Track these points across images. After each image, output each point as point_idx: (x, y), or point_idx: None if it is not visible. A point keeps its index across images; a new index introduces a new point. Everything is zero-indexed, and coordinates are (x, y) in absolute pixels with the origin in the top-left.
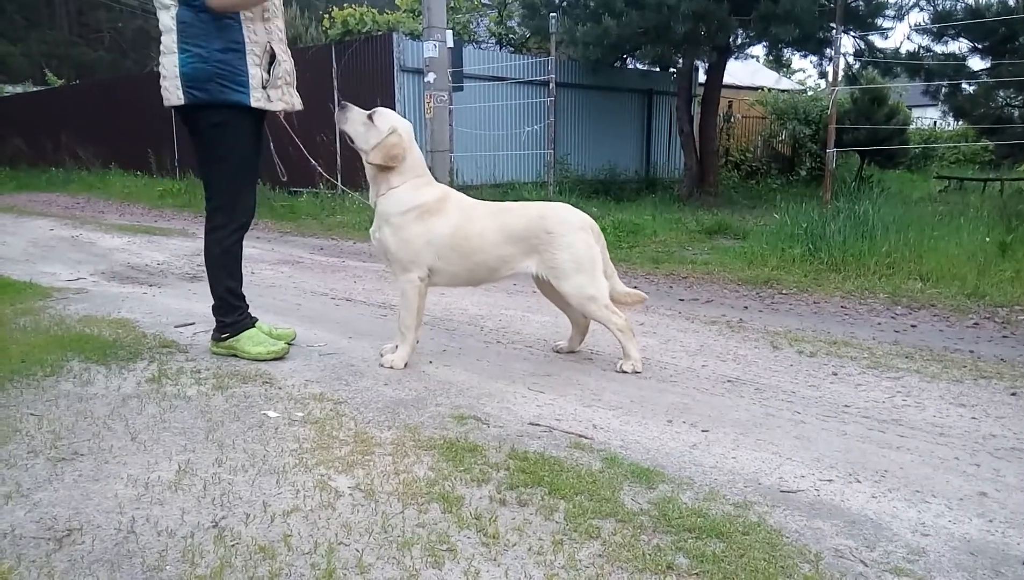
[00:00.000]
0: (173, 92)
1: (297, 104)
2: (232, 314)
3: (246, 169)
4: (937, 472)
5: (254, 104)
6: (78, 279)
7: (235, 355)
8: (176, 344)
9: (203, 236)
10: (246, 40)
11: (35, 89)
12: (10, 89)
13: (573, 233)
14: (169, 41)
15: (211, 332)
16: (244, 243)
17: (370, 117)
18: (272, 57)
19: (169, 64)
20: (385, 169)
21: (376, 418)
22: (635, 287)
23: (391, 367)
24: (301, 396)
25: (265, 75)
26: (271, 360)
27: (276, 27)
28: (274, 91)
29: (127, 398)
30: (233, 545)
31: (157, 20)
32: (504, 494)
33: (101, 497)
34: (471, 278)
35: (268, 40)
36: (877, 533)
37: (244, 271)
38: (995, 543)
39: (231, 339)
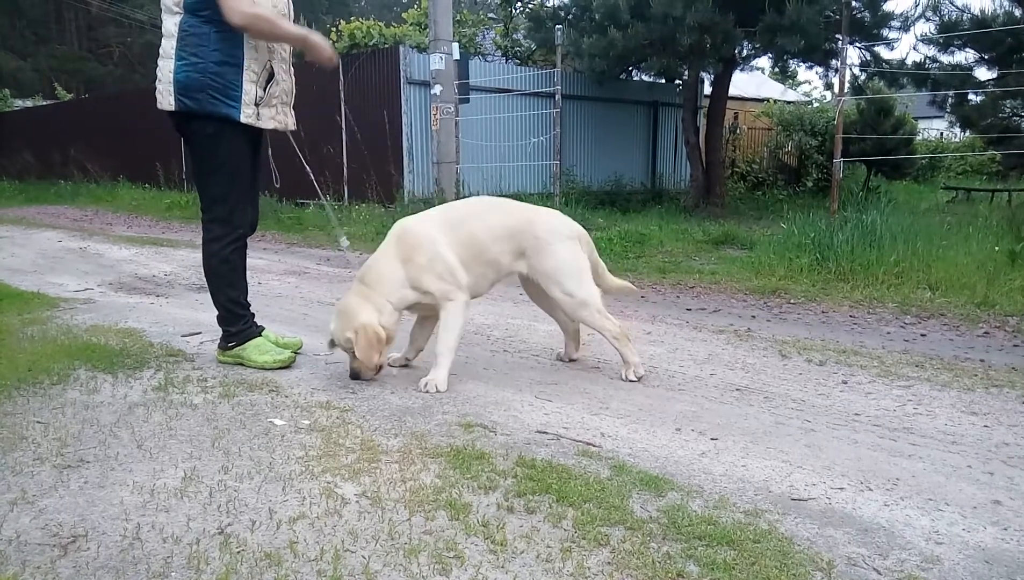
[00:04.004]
0: (165, 97)
1: (291, 124)
2: (236, 323)
3: (241, 181)
4: (950, 480)
5: (243, 120)
6: (86, 290)
7: (241, 364)
8: (183, 353)
9: None
10: (246, 56)
11: (44, 103)
12: (20, 103)
13: (561, 241)
14: (168, 47)
15: (218, 341)
16: (250, 254)
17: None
18: (271, 75)
19: (165, 69)
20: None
21: (383, 426)
22: (641, 297)
23: (437, 390)
24: (307, 404)
25: (260, 92)
26: (277, 369)
27: (280, 46)
28: (267, 109)
29: (133, 406)
30: (239, 552)
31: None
32: (512, 501)
33: (107, 504)
34: (480, 281)
35: (269, 59)
36: (890, 541)
37: (250, 282)
38: (1010, 551)
39: (237, 348)
